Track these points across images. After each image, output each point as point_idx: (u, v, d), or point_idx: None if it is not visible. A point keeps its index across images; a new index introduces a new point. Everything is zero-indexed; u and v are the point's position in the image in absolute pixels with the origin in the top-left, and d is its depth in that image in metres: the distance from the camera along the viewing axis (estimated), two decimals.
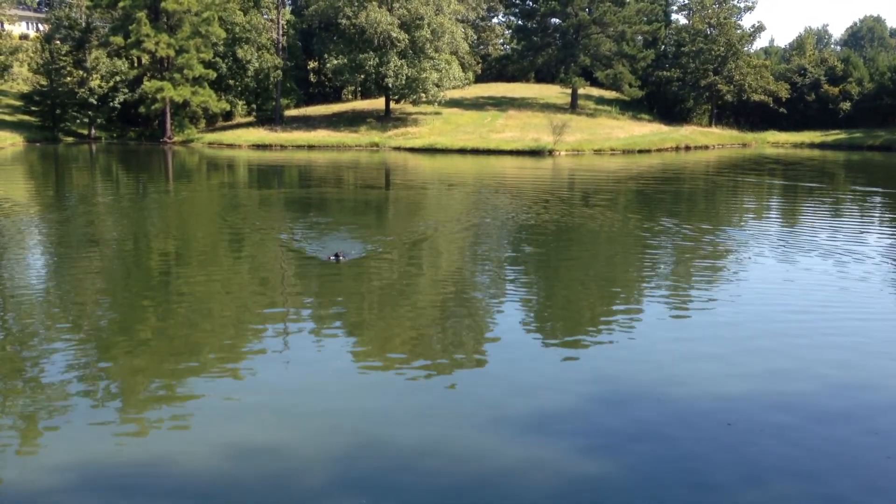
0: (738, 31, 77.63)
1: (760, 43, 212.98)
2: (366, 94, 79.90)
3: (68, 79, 64.53)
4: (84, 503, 7.08)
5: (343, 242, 19.10)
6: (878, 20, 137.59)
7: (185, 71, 63.69)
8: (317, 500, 7.16)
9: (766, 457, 8.04)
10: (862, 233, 23.05)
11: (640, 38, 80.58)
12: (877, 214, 28.73)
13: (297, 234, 21.90)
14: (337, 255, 16.57)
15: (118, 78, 65.22)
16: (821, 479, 7.66)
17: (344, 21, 64.76)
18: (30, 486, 7.32)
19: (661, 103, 79.58)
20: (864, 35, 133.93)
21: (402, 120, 69.65)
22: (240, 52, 68.64)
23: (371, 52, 63.93)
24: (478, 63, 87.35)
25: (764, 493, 7.34)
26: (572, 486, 7.44)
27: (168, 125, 65.91)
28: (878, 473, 7.80)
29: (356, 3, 64.16)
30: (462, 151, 59.54)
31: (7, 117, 66.34)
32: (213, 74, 65.95)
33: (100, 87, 64.92)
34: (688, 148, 66.32)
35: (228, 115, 73.42)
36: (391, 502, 7.09)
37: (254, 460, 7.89)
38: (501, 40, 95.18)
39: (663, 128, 72.39)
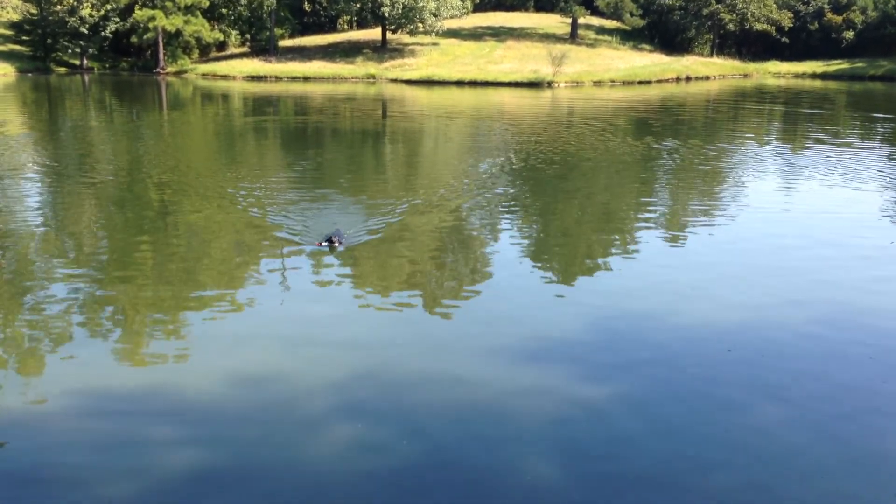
0: None
1: None
2: (362, 24, 78.31)
3: (59, 7, 63.17)
4: (85, 428, 7.14)
5: (337, 208, 16.44)
6: None
7: None
8: (315, 426, 7.23)
9: (765, 381, 8.10)
10: (859, 158, 22.90)
11: None
12: (877, 141, 28.47)
13: (299, 167, 21.76)
14: (330, 240, 12.70)
15: (109, 6, 63.84)
16: (819, 401, 7.75)
17: None
18: (31, 412, 7.38)
19: (663, 33, 78.01)
20: None
21: (398, 51, 68.44)
22: None
23: None
24: None
25: (762, 417, 7.42)
26: (572, 412, 7.51)
27: (161, 55, 64.80)
28: (876, 396, 7.88)
29: None
30: (460, 83, 58.70)
31: None
32: (205, 3, 64.53)
33: (91, 15, 63.58)
34: (689, 79, 65.43)
35: (222, 46, 72.13)
36: (389, 428, 7.16)
37: (253, 388, 7.94)
38: None
39: (664, 58, 71.20)
